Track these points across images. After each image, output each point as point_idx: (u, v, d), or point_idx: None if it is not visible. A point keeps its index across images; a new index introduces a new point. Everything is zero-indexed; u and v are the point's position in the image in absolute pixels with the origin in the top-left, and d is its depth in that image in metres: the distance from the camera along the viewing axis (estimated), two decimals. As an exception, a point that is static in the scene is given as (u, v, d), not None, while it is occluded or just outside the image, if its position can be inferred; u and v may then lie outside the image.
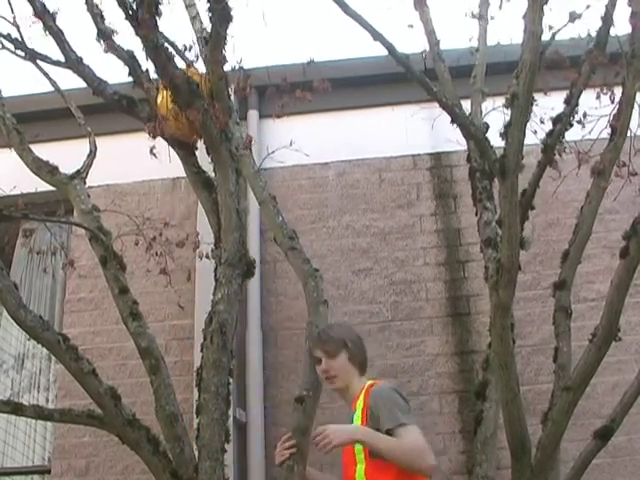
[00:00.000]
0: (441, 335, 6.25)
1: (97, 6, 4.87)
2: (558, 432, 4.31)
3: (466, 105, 5.20)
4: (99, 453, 6.10)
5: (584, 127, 4.71)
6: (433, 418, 6.00)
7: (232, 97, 5.18)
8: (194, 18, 5.03)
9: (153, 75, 4.56)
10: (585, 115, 4.73)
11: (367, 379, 4.16)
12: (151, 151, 4.62)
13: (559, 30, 4.86)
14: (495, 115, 5.21)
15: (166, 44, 4.27)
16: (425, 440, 3.81)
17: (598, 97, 4.68)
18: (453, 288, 6.42)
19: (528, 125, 3.92)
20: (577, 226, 4.79)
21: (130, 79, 4.65)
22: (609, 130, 4.60)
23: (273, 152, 5.25)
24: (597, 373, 4.24)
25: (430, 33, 5.73)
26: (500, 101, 4.97)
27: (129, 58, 4.55)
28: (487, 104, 5.56)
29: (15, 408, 4.66)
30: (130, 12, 3.89)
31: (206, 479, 4.20)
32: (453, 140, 5.69)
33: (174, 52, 4.65)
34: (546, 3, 3.70)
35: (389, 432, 3.74)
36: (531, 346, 6.02)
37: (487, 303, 4.37)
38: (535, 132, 4.44)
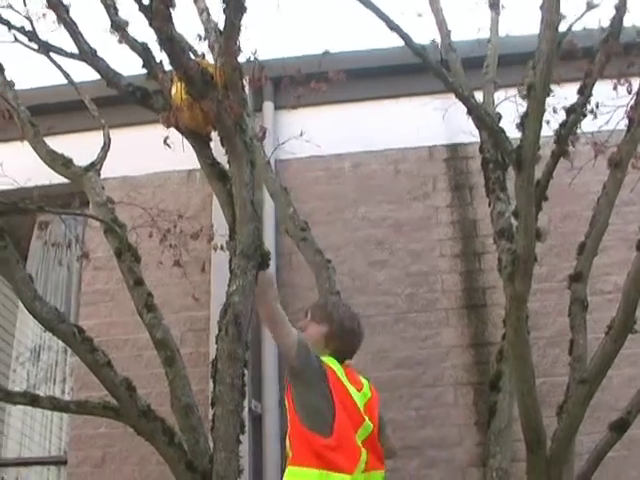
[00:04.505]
0: (457, 327, 6.24)
1: (111, -2, 4.87)
2: (574, 424, 4.30)
3: (478, 97, 5.18)
4: (115, 444, 6.12)
5: (595, 118, 4.68)
6: (448, 410, 6.01)
7: (246, 88, 5.17)
8: (203, 11, 5.02)
9: (167, 66, 4.55)
10: (598, 106, 4.70)
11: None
12: (165, 142, 4.61)
13: (576, 20, 4.84)
14: (507, 105, 5.20)
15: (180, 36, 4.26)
16: (290, 330, 3.80)
17: (615, 88, 4.65)
18: (469, 280, 6.41)
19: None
20: (593, 218, 4.77)
21: (144, 71, 4.65)
22: (626, 121, 4.57)
23: (283, 143, 5.26)
24: (613, 365, 4.23)
25: (441, 23, 5.72)
26: (512, 92, 4.96)
27: (143, 50, 4.53)
28: (499, 94, 5.54)
29: (32, 400, 4.68)
30: (144, 3, 3.88)
31: (221, 470, 4.19)
32: (468, 131, 5.67)
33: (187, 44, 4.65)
34: (563, -7, 3.68)
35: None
36: (547, 338, 6.00)
37: (503, 295, 4.35)
38: (548, 122, 4.41)
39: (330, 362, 3.87)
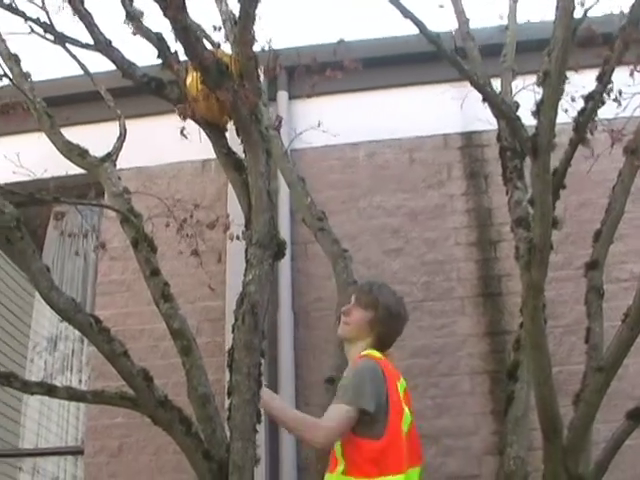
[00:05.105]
0: (472, 315, 6.24)
1: (125, -12, 4.86)
2: (590, 413, 4.29)
3: (495, 84, 5.16)
4: (132, 434, 6.14)
5: (620, 105, 4.65)
6: (464, 398, 6.01)
7: (261, 78, 5.16)
8: (220, 0, 5.01)
9: (182, 57, 4.55)
10: (620, 93, 4.67)
11: (371, 350, 4.00)
12: (181, 132, 4.61)
13: (592, 7, 4.81)
14: (525, 94, 5.17)
15: (195, 26, 4.25)
16: (340, 420, 3.72)
17: (632, 74, 4.62)
18: (485, 268, 6.40)
19: (560, 103, 3.88)
20: (609, 205, 4.75)
21: (159, 61, 4.65)
22: (643, 108, 4.55)
23: (301, 133, 5.25)
24: (630, 354, 4.21)
25: (460, 13, 5.68)
26: (530, 80, 4.93)
27: (158, 40, 4.53)
28: (517, 82, 5.52)
29: (48, 390, 4.68)
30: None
31: (238, 459, 4.20)
32: (484, 119, 5.65)
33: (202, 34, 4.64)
34: (579, -22, 3.66)
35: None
36: (563, 326, 5.98)
37: (519, 283, 4.34)
38: (566, 111, 4.39)
39: (378, 356, 3.86)
